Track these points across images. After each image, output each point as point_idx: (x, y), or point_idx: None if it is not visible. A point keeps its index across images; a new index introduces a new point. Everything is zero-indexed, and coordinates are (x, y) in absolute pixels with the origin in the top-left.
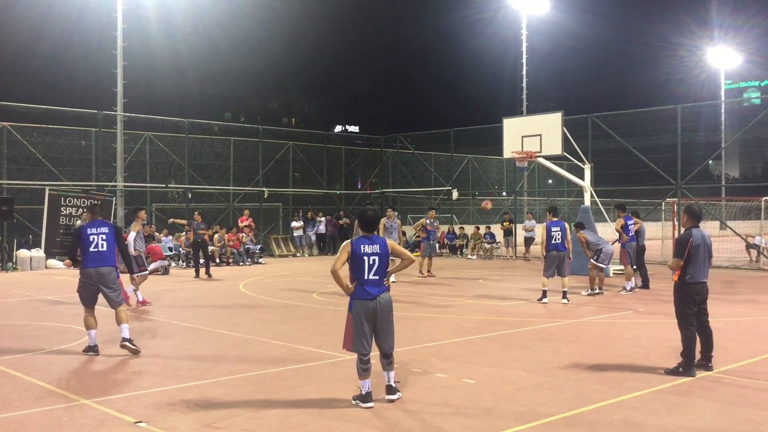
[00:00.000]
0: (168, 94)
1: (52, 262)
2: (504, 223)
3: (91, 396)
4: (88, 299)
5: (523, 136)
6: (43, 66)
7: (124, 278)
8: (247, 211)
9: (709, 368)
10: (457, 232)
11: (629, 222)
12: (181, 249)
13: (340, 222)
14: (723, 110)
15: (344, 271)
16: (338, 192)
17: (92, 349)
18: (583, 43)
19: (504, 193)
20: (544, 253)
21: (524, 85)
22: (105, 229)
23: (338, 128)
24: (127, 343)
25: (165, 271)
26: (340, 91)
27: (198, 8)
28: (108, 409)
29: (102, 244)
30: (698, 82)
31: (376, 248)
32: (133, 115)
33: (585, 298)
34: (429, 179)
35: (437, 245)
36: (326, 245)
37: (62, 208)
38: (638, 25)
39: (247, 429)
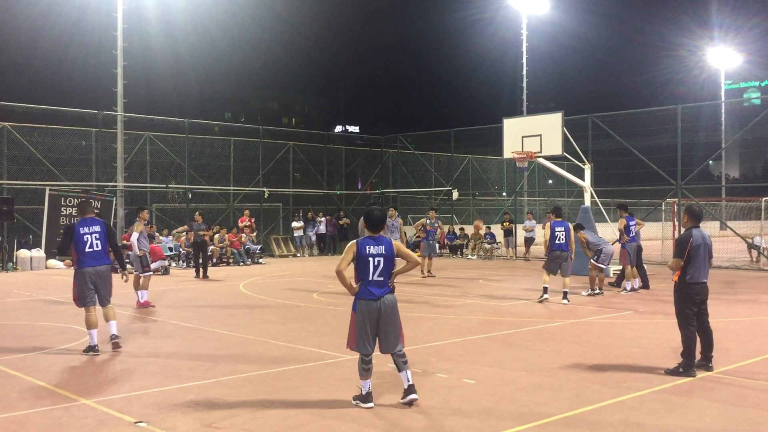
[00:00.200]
0: (168, 94)
1: (52, 262)
2: (504, 224)
3: (91, 396)
4: (89, 297)
5: (523, 137)
6: (44, 66)
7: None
8: (247, 212)
9: (709, 368)
10: (458, 232)
11: (631, 222)
12: (181, 249)
13: (341, 222)
14: (723, 110)
15: (350, 272)
16: (338, 192)
17: (93, 349)
18: (583, 43)
19: (504, 194)
20: (547, 252)
21: (524, 85)
22: (97, 228)
23: (338, 128)
24: (117, 341)
25: (165, 271)
26: (340, 91)
27: (198, 8)
28: (108, 409)
29: (96, 244)
30: (698, 82)
31: (382, 249)
32: (134, 115)
33: (585, 298)
34: (429, 179)
35: (437, 245)
36: (326, 245)
37: (62, 208)
38: (638, 25)
39: (247, 429)
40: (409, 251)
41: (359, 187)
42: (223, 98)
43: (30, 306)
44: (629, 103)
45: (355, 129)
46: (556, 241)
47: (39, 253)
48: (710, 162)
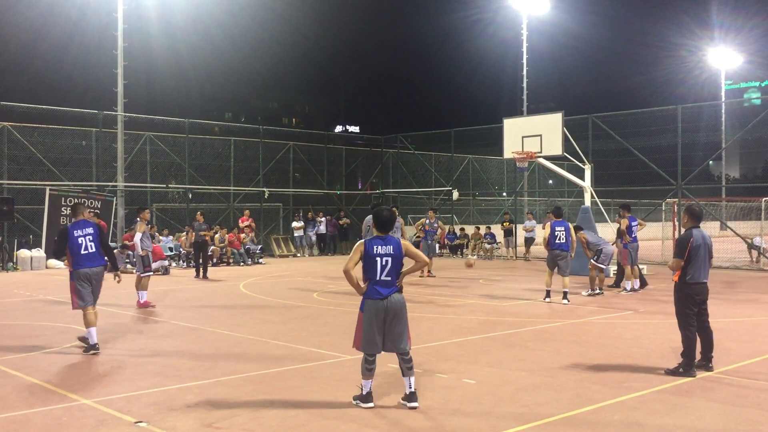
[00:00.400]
0: (168, 94)
1: (52, 262)
2: (504, 224)
3: (92, 396)
4: (88, 296)
5: (523, 137)
6: (44, 66)
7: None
8: (247, 212)
9: (709, 369)
10: (458, 232)
11: (633, 223)
12: (181, 249)
13: (341, 222)
14: (723, 111)
15: (357, 272)
16: (338, 192)
17: (93, 348)
18: (584, 43)
19: (504, 194)
20: (547, 249)
21: (524, 85)
22: (90, 230)
23: (339, 128)
24: (81, 342)
25: (165, 271)
26: (340, 91)
27: (198, 8)
28: (108, 409)
29: (90, 246)
30: (699, 83)
31: (390, 249)
32: (134, 115)
33: (585, 298)
34: (429, 179)
35: (437, 245)
36: (326, 245)
37: (63, 208)
38: (638, 25)
39: (247, 429)
40: (417, 251)
41: (359, 187)
42: (224, 98)
43: (30, 306)
44: (629, 104)
45: (355, 129)
46: (556, 241)
47: (39, 253)
48: (710, 162)
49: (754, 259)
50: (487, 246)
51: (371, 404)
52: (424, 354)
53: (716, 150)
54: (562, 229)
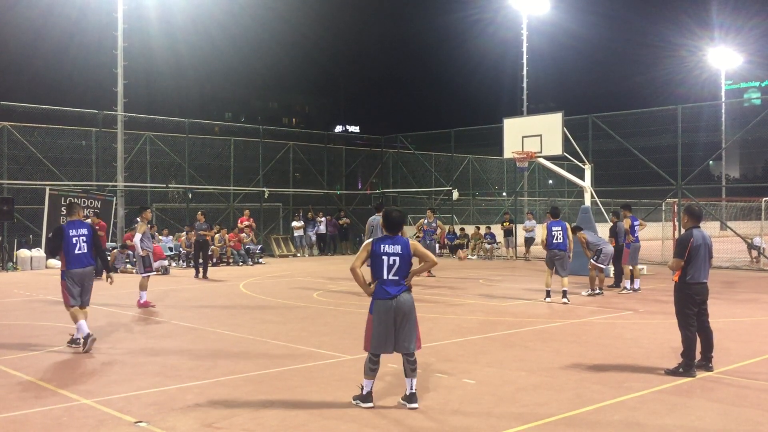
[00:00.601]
0: (168, 94)
1: (52, 261)
2: (504, 224)
3: (92, 396)
4: (77, 296)
5: (523, 137)
6: (44, 66)
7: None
8: (247, 211)
9: (709, 369)
10: (458, 232)
11: (635, 223)
12: (181, 249)
13: (341, 222)
14: (723, 111)
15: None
16: (338, 192)
17: (88, 337)
18: (584, 43)
19: (504, 194)
20: (546, 249)
21: (525, 85)
22: (84, 231)
23: (338, 128)
24: (74, 345)
25: (165, 271)
26: (340, 91)
27: (198, 8)
28: (108, 408)
29: (83, 246)
30: (699, 83)
31: (398, 248)
32: (134, 115)
33: (585, 298)
34: (429, 179)
35: (437, 245)
36: (326, 245)
37: (62, 208)
38: (638, 25)
39: (247, 429)
40: (426, 251)
41: (359, 187)
42: (224, 98)
43: (30, 306)
44: (629, 104)
45: (355, 129)
46: (554, 241)
47: (39, 252)
48: (710, 162)
49: (754, 259)
50: (487, 246)
51: (371, 404)
52: (424, 354)
53: (716, 150)
54: (559, 228)
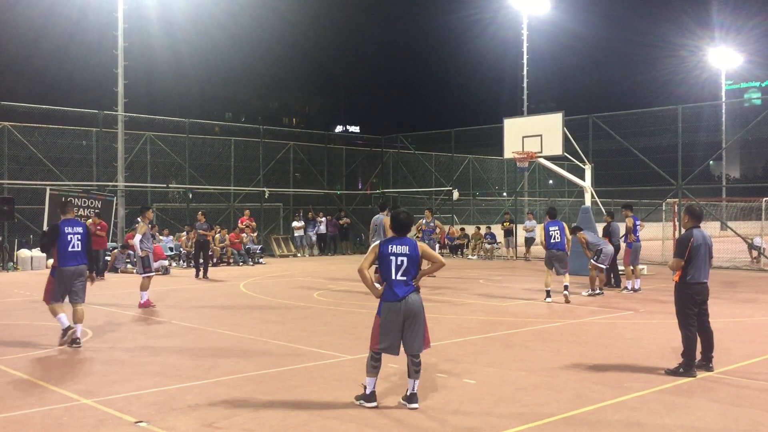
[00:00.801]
0: (169, 94)
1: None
2: (504, 224)
3: (92, 396)
4: (61, 294)
5: (523, 137)
6: (44, 66)
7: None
8: (247, 211)
9: (709, 369)
10: (458, 232)
11: (637, 222)
12: (181, 249)
13: (341, 222)
14: (724, 111)
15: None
16: (339, 192)
17: (67, 330)
18: (584, 43)
19: (504, 194)
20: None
21: (525, 85)
22: (80, 229)
23: (339, 128)
24: (74, 345)
25: (165, 271)
26: (340, 91)
27: (199, 8)
28: (108, 408)
29: (77, 244)
30: (699, 83)
31: (405, 249)
32: (134, 115)
33: (585, 298)
34: (429, 179)
35: (438, 245)
36: (327, 245)
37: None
38: (638, 25)
39: (247, 429)
40: (434, 253)
41: (360, 187)
42: (224, 98)
43: (30, 306)
44: (630, 104)
45: (355, 129)
46: (552, 240)
47: (39, 253)
48: (711, 162)
49: (754, 259)
50: (488, 246)
51: (374, 403)
52: (425, 354)
53: (716, 150)
54: (556, 228)
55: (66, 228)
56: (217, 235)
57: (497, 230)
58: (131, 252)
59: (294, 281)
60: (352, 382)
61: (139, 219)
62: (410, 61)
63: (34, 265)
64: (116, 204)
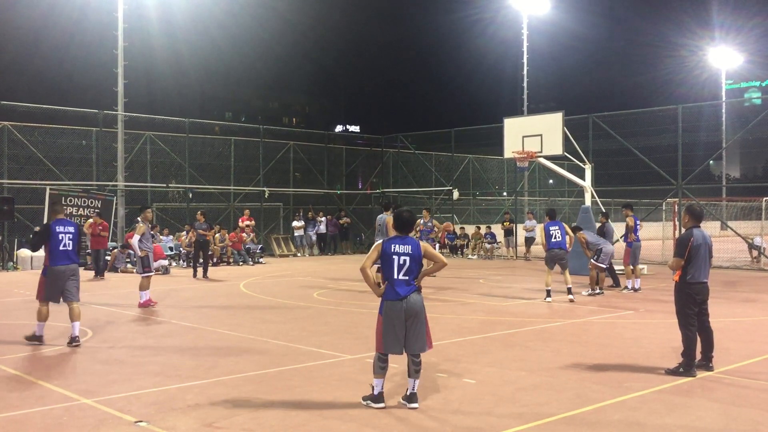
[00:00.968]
0: (169, 93)
1: (44, 261)
2: (504, 223)
3: (92, 395)
4: (54, 295)
5: (523, 136)
6: (44, 66)
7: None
8: (247, 211)
9: (709, 368)
10: (458, 232)
11: (638, 222)
12: (181, 249)
13: (341, 222)
14: (724, 110)
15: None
16: (339, 192)
17: (38, 339)
18: (584, 43)
19: (504, 193)
20: (546, 250)
21: (525, 85)
22: (71, 229)
23: (339, 128)
24: (76, 344)
25: (165, 271)
26: (340, 91)
27: (199, 8)
28: (108, 408)
29: (69, 244)
30: (699, 83)
31: (408, 249)
32: (134, 114)
33: (586, 298)
34: (430, 179)
35: (437, 245)
36: (327, 245)
37: (63, 208)
38: (638, 25)
39: (247, 429)
40: (436, 253)
41: (360, 186)
42: (224, 98)
43: (30, 306)
44: (630, 103)
45: (355, 129)
46: (553, 240)
47: (39, 252)
48: (711, 162)
49: (754, 259)
50: (488, 246)
51: (382, 404)
52: (425, 354)
53: (716, 150)
54: (557, 228)
55: (58, 228)
56: (217, 235)
57: (497, 230)
58: (131, 252)
59: (294, 281)
60: (352, 381)
61: (138, 219)
62: (410, 61)
63: (34, 265)
64: (116, 204)
